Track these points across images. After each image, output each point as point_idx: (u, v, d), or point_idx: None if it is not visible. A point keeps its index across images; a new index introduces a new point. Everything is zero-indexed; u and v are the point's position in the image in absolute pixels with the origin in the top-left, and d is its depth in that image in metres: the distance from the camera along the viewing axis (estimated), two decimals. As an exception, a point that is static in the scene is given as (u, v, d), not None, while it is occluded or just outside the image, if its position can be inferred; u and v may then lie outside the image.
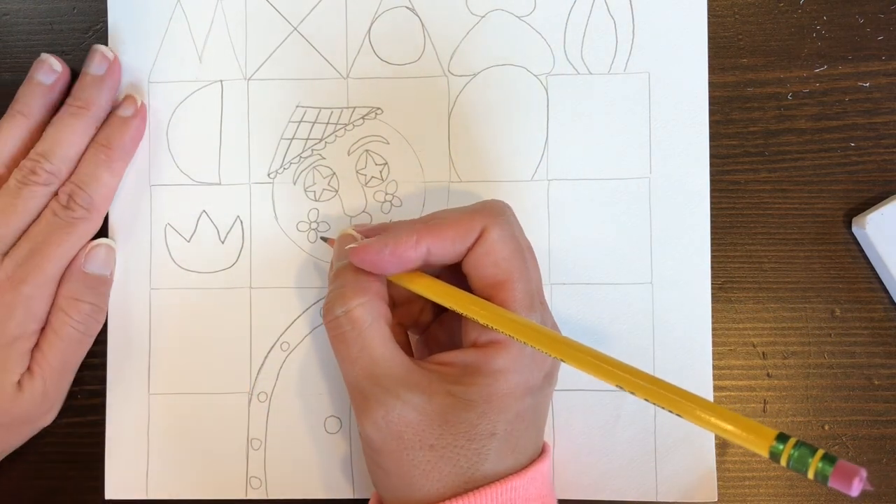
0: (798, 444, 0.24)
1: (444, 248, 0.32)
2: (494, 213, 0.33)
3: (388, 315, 0.33)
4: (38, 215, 0.39)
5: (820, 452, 0.24)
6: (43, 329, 0.38)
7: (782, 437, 0.25)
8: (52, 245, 0.38)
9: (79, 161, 0.39)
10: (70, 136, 0.39)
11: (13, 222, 0.38)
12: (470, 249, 0.32)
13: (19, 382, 0.37)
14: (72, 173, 0.39)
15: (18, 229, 0.38)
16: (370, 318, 0.32)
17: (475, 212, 0.33)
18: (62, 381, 0.39)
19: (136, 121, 0.40)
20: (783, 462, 0.24)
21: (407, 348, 0.35)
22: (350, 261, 0.33)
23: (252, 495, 0.40)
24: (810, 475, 0.24)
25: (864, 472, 0.23)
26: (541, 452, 0.34)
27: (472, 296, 0.32)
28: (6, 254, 0.38)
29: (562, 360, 0.29)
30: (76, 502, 0.41)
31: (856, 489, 0.23)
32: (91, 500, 0.41)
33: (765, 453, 0.25)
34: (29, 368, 0.38)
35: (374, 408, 0.31)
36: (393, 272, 0.33)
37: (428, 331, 0.38)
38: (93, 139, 0.40)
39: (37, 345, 0.38)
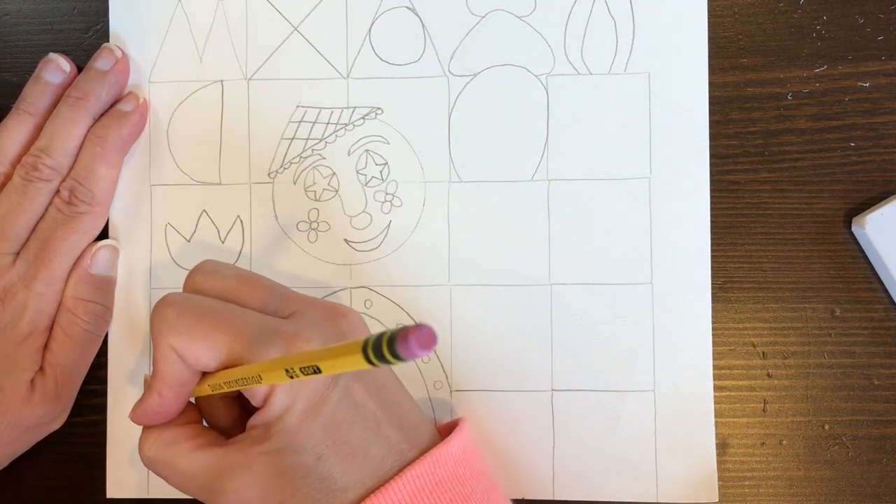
0: (374, 338, 0.23)
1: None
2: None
3: (182, 433, 0.33)
4: (45, 212, 0.39)
5: (389, 333, 0.22)
6: (52, 331, 0.39)
7: (366, 341, 0.23)
8: (59, 240, 0.38)
9: (78, 153, 0.40)
10: (69, 129, 0.39)
11: (22, 221, 0.38)
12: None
13: (32, 382, 0.38)
14: (73, 167, 0.39)
15: (28, 227, 0.39)
16: (165, 448, 0.33)
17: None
18: (73, 382, 0.39)
19: (135, 116, 0.40)
20: (373, 360, 0.23)
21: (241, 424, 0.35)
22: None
23: (252, 495, 0.40)
24: (389, 358, 0.22)
25: (424, 329, 0.21)
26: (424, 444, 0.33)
27: (224, 373, 0.32)
28: (18, 253, 0.38)
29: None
30: (77, 501, 0.41)
31: (415, 348, 0.21)
32: (92, 500, 0.41)
33: (365, 365, 0.23)
34: (41, 368, 0.38)
35: None
36: (170, 418, 0.34)
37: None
38: (89, 131, 0.40)
39: (47, 346, 0.38)
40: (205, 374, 0.33)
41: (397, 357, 0.22)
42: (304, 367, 0.27)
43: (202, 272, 0.35)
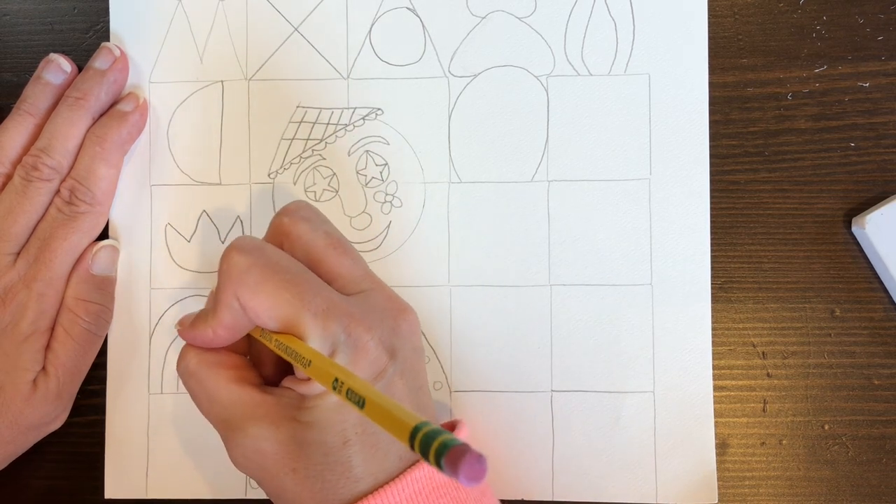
0: (428, 432, 0.22)
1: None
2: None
3: (228, 360, 0.34)
4: (45, 212, 0.39)
5: (443, 440, 0.22)
6: (53, 331, 0.39)
7: (418, 427, 0.23)
8: (59, 240, 0.38)
9: (78, 153, 0.40)
10: (68, 128, 0.39)
11: (22, 220, 0.38)
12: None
13: (34, 382, 0.38)
14: (73, 167, 0.39)
15: (28, 227, 0.39)
16: (206, 368, 0.33)
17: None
18: (74, 382, 0.39)
19: (134, 116, 0.40)
20: (414, 447, 0.22)
21: (276, 378, 0.35)
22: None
23: (251, 495, 0.40)
24: (431, 460, 0.22)
25: (479, 462, 0.21)
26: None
27: (289, 344, 0.32)
28: (19, 253, 0.38)
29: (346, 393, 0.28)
30: (76, 502, 0.41)
31: (462, 476, 0.21)
32: (91, 500, 0.41)
33: (404, 441, 0.23)
34: (43, 368, 0.38)
35: (231, 446, 0.32)
36: (219, 346, 0.34)
37: None
38: (89, 130, 0.40)
39: (49, 346, 0.38)
40: None
41: (439, 465, 0.21)
42: (352, 394, 0.26)
43: (295, 216, 0.34)
